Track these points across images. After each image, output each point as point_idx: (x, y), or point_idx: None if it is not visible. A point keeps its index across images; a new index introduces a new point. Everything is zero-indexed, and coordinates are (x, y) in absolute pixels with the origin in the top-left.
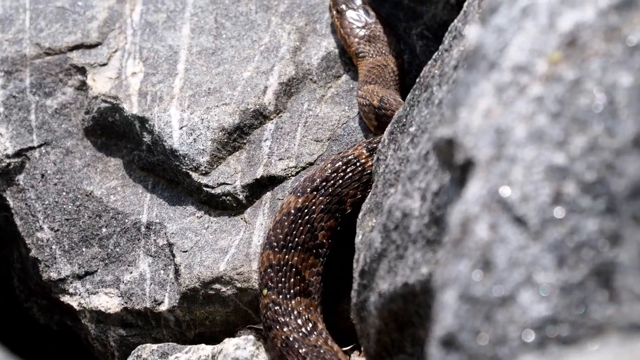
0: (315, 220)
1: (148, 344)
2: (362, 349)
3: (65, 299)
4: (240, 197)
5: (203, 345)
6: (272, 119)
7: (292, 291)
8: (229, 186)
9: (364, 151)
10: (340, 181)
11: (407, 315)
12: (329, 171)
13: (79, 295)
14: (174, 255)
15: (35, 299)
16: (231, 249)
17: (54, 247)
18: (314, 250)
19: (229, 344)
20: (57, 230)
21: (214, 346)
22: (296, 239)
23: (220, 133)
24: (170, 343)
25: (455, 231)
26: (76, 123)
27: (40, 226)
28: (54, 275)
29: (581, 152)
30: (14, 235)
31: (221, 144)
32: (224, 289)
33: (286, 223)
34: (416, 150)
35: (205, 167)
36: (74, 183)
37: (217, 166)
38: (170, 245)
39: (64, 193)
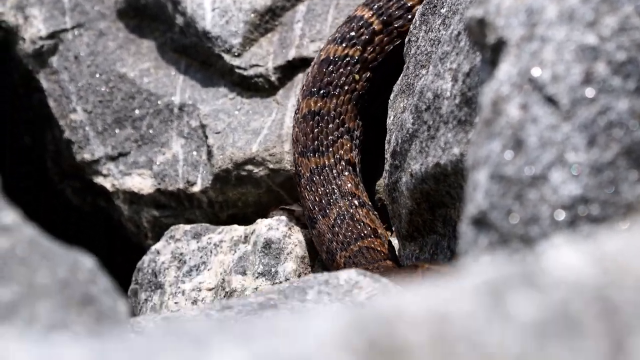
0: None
1: (181, 225)
2: (393, 229)
3: (99, 180)
4: (273, 78)
5: (236, 225)
6: (303, 1)
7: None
8: (261, 68)
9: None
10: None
11: (438, 195)
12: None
13: (112, 176)
14: (206, 137)
15: (69, 181)
16: (263, 130)
17: (87, 128)
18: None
19: (261, 224)
20: (91, 111)
21: (246, 227)
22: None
23: (253, 15)
24: (203, 224)
25: (486, 111)
26: (109, 5)
27: (74, 108)
28: (87, 156)
29: (612, 32)
30: (47, 117)
31: (253, 26)
32: (256, 170)
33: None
34: (447, 31)
35: (238, 48)
36: (107, 65)
37: (249, 48)
38: (202, 126)
39: (97, 75)
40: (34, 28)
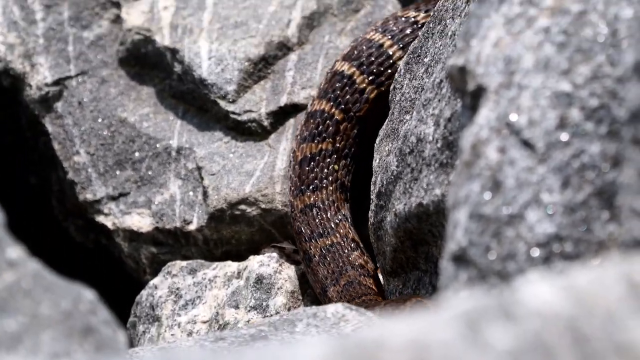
0: None
1: (178, 261)
2: (378, 266)
3: (100, 218)
4: (265, 123)
5: (229, 262)
6: (295, 51)
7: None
8: (255, 113)
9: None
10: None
11: (421, 233)
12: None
13: (113, 215)
14: (202, 178)
15: (72, 219)
16: (256, 172)
17: (89, 170)
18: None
19: (253, 261)
20: (93, 154)
21: (239, 263)
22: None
23: (247, 63)
24: (199, 260)
25: (466, 153)
26: (111, 54)
27: (77, 150)
28: (89, 196)
29: (585, 79)
30: (52, 159)
31: (247, 74)
32: (249, 210)
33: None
34: (430, 79)
35: (232, 95)
36: (109, 110)
37: (243, 94)
38: (199, 168)
39: (100, 119)
40: (40, 75)
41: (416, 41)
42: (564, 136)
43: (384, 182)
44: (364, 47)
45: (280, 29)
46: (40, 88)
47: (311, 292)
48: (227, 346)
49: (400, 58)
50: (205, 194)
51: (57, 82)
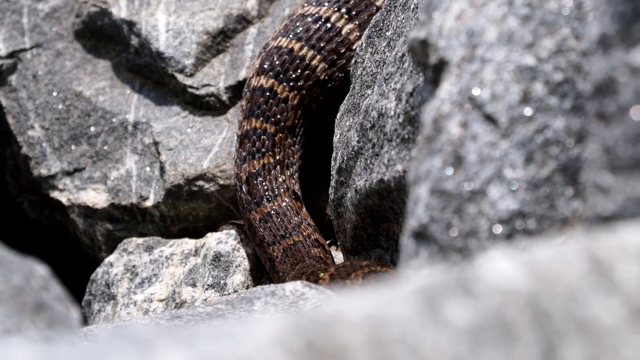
0: None
1: (134, 238)
2: (338, 244)
3: (55, 194)
4: (224, 98)
5: (187, 239)
6: (254, 24)
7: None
8: (213, 87)
9: None
10: None
11: (382, 210)
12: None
13: (68, 190)
14: (159, 153)
15: (26, 195)
16: (214, 148)
17: (44, 144)
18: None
19: (211, 238)
20: (48, 128)
21: (197, 240)
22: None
23: (205, 37)
24: (155, 237)
25: (428, 128)
26: (67, 26)
27: (32, 125)
28: (44, 171)
29: (549, 53)
30: (6, 134)
31: (205, 47)
32: (207, 186)
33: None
34: (392, 53)
35: (190, 69)
36: (64, 83)
37: (201, 68)
38: (156, 143)
39: (55, 93)
40: None
41: (378, 14)
42: (528, 111)
43: (345, 158)
44: (275, 57)
45: (239, 1)
46: None
47: None
48: (184, 324)
49: (313, 57)
50: (162, 170)
51: (11, 55)
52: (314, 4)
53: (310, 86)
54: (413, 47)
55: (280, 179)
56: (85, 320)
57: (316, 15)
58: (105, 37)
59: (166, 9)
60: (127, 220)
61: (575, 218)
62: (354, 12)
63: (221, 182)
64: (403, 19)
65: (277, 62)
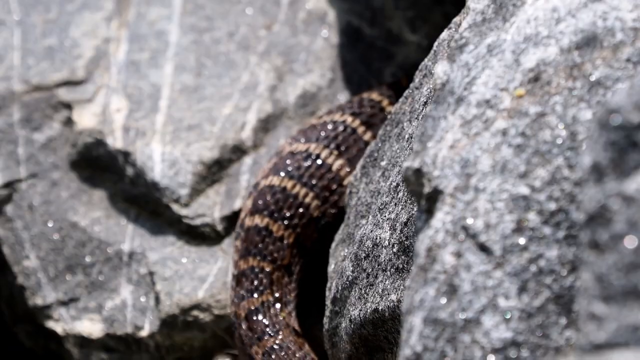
0: None
1: None
2: None
3: (50, 324)
4: (219, 228)
5: None
6: (249, 154)
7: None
8: (208, 217)
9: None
10: None
11: (376, 340)
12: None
13: (63, 321)
14: (154, 283)
15: (22, 325)
16: (209, 278)
17: (39, 274)
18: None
19: None
20: (43, 258)
21: None
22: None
23: (200, 167)
24: None
25: (422, 257)
26: (62, 156)
27: (27, 255)
28: (39, 301)
29: (543, 183)
30: (2, 264)
31: (201, 178)
32: (202, 316)
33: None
34: (387, 183)
35: (186, 199)
36: (60, 214)
37: (196, 198)
38: (151, 273)
39: (50, 223)
40: None
41: (372, 144)
42: (522, 240)
43: (339, 288)
44: (268, 196)
45: (234, 132)
46: None
47: None
48: None
49: (306, 195)
50: (157, 299)
51: (6, 185)
52: (302, 141)
53: (304, 224)
54: (407, 177)
55: (280, 317)
56: None
57: (306, 152)
58: (100, 167)
59: (161, 139)
60: (122, 350)
61: (569, 347)
62: (343, 148)
63: (216, 312)
64: (397, 149)
65: (270, 201)
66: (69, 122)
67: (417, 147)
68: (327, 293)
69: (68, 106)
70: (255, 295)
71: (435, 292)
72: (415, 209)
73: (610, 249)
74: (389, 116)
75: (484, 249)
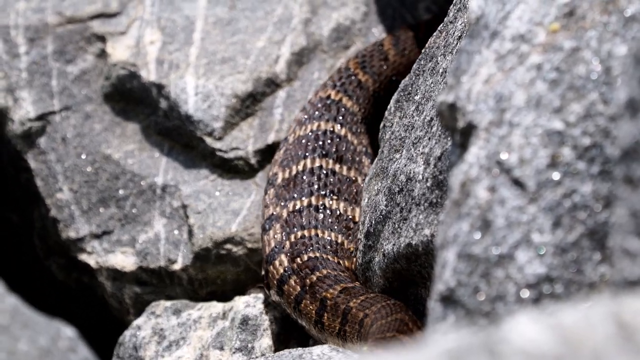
0: None
1: (162, 301)
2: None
3: (83, 257)
4: (252, 161)
5: (214, 302)
6: (283, 87)
7: None
8: (242, 151)
9: None
10: None
11: (410, 275)
12: None
13: (96, 254)
14: (187, 217)
15: (54, 257)
16: (243, 211)
17: (72, 207)
18: None
19: (239, 301)
20: (76, 191)
21: (224, 304)
22: None
23: (234, 100)
24: (183, 300)
25: (455, 192)
26: (96, 89)
27: (60, 187)
28: (72, 234)
29: (577, 118)
30: (35, 196)
31: (234, 111)
32: (235, 249)
33: None
34: (421, 117)
35: (219, 132)
36: (93, 146)
37: (230, 132)
38: (184, 207)
39: (83, 156)
40: (23, 110)
41: (407, 78)
42: (556, 175)
43: (373, 222)
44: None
45: (268, 65)
46: (23, 123)
47: (298, 335)
48: None
49: None
50: (190, 233)
51: (40, 117)
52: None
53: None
54: (441, 111)
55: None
56: None
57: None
58: (134, 100)
59: (195, 72)
60: (155, 283)
61: (603, 282)
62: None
63: (249, 245)
64: (432, 83)
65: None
66: (102, 54)
67: (451, 82)
68: (360, 227)
69: (102, 38)
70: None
71: (469, 227)
72: (449, 143)
73: None
74: (423, 50)
75: (518, 183)
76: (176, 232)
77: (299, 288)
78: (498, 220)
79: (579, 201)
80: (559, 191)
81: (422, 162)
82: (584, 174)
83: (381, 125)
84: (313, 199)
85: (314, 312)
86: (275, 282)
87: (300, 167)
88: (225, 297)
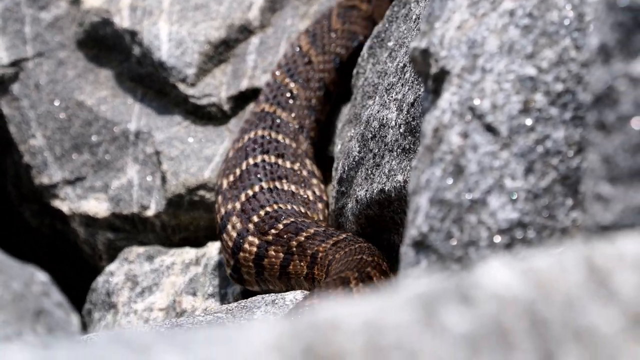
0: None
1: (134, 247)
2: None
3: (56, 203)
4: (225, 108)
5: (187, 248)
6: (256, 34)
7: None
8: (214, 97)
9: None
10: None
11: (382, 221)
12: None
13: (69, 200)
14: (160, 163)
15: (28, 204)
16: (216, 158)
17: (45, 153)
18: None
19: (212, 247)
20: (49, 137)
21: (197, 250)
22: None
23: (207, 47)
24: (156, 247)
25: (428, 138)
26: (69, 35)
27: (33, 134)
28: (45, 180)
29: (550, 64)
30: (8, 143)
31: (207, 57)
32: (208, 196)
33: None
34: (394, 63)
35: (192, 78)
36: (66, 93)
37: (203, 78)
38: (157, 153)
39: (57, 102)
40: None
41: (380, 25)
42: (528, 121)
43: (346, 168)
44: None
45: (241, 11)
46: None
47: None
48: (184, 332)
49: None
50: (163, 179)
51: (13, 64)
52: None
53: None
54: (414, 57)
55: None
56: (86, 329)
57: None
58: (107, 47)
59: (168, 18)
60: (128, 229)
61: (575, 228)
62: None
63: None
64: (405, 29)
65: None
66: (75, 1)
67: (424, 28)
68: (333, 173)
69: None
70: None
71: (442, 173)
72: (422, 89)
73: (616, 130)
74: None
75: (490, 129)
76: (149, 178)
77: (282, 255)
78: (471, 165)
79: (551, 147)
80: (532, 137)
81: (395, 109)
82: (557, 119)
83: (354, 71)
84: (264, 184)
85: (305, 267)
86: (252, 264)
87: (244, 167)
88: (198, 243)
